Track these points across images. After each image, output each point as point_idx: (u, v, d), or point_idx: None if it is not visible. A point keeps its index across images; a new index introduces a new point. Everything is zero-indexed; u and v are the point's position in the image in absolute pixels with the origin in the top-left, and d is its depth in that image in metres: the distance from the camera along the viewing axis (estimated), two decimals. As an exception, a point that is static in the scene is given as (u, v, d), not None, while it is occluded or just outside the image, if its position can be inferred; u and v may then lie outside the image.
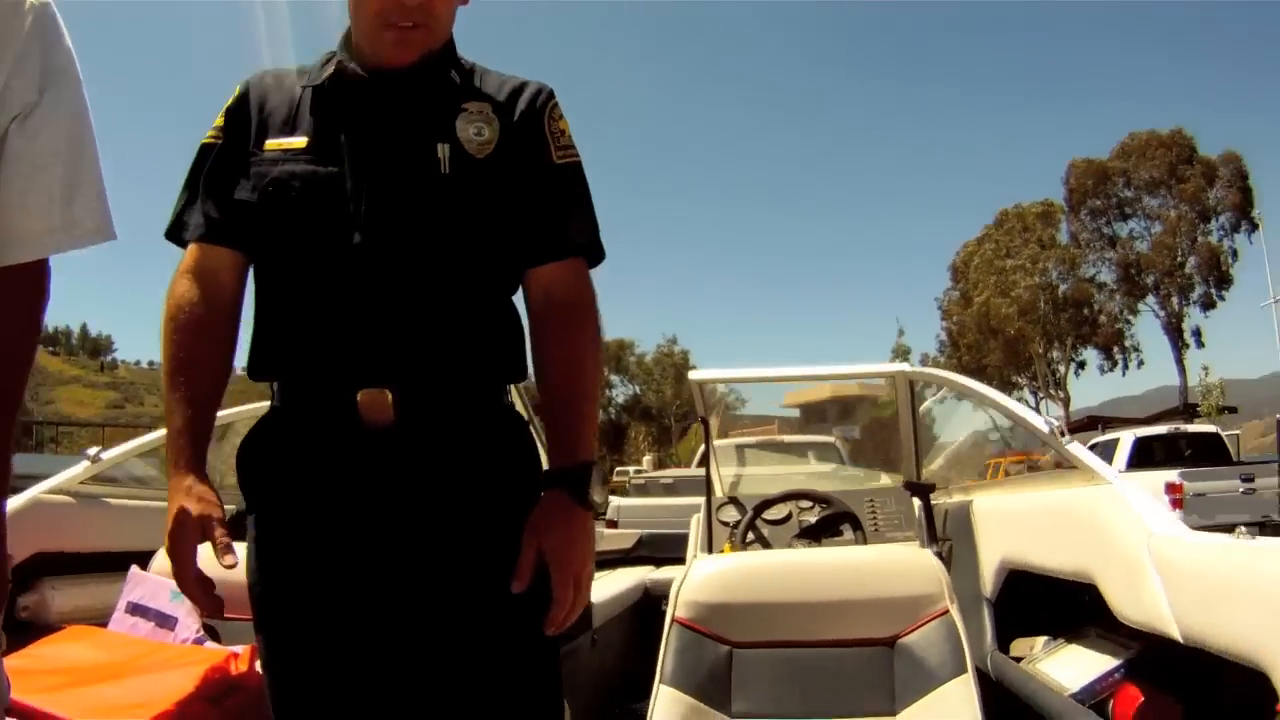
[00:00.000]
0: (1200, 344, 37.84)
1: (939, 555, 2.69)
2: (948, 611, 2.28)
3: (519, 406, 1.61)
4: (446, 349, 1.45)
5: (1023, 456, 5.21)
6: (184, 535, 1.43)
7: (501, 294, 1.55)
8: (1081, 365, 39.84)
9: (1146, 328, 41.17)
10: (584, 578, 1.40)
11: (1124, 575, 1.97)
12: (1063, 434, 2.51)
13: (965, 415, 4.09)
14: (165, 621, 2.63)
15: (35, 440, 31.48)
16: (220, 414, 1.54)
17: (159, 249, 1.56)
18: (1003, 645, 2.60)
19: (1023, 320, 37.83)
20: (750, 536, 3.31)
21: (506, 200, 1.49)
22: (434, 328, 1.44)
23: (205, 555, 1.42)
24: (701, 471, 4.50)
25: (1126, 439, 12.74)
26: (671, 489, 10.86)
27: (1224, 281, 37.51)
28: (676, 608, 2.39)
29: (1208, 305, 37.66)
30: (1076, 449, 2.44)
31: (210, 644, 2.53)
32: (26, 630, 2.63)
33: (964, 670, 2.17)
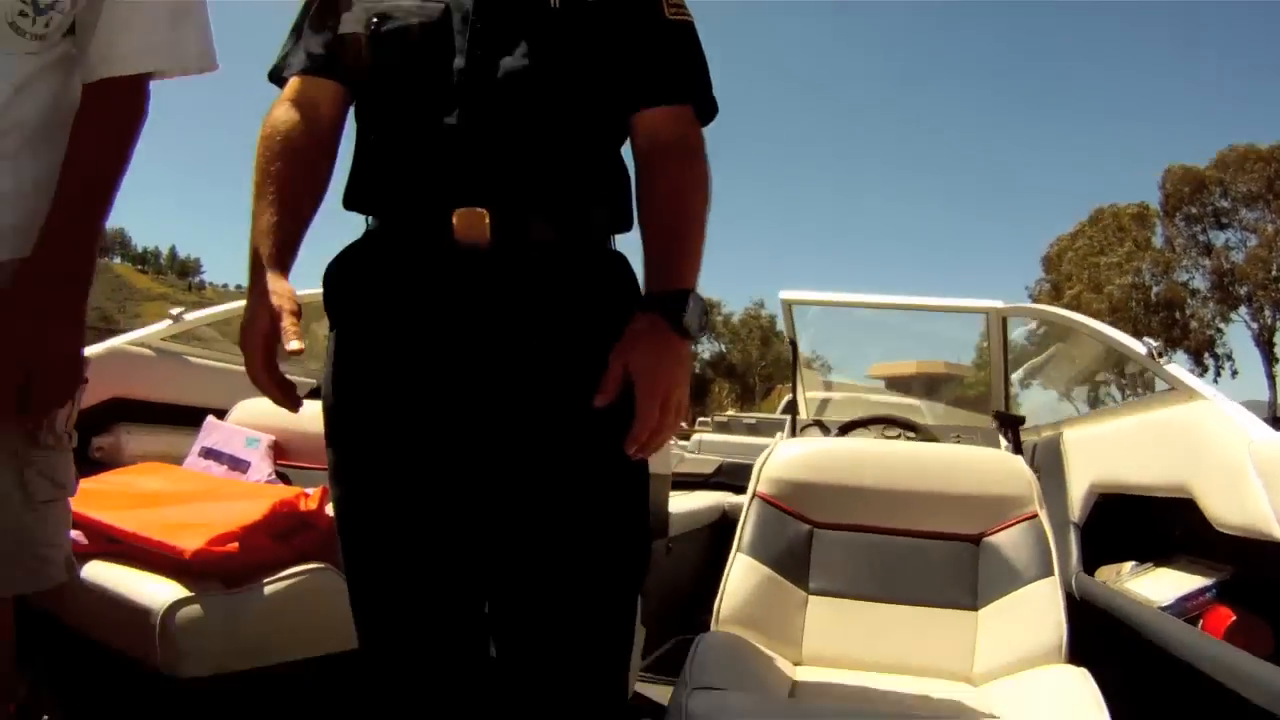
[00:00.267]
0: (1292, 359, 36.98)
1: None
2: (1036, 515, 2.26)
3: None
4: (547, 177, 1.43)
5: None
6: (256, 325, 1.43)
7: (607, 140, 1.53)
8: (1170, 369, 39.03)
9: (1237, 338, 40.37)
10: (672, 401, 1.36)
11: (1223, 481, 1.93)
12: (1160, 355, 2.45)
13: (1061, 355, 4.02)
14: (238, 465, 2.69)
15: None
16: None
17: (248, 179, 1.53)
18: (1089, 572, 2.56)
19: (1114, 317, 37.15)
20: None
21: (614, 43, 1.47)
22: (535, 155, 1.43)
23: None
24: (786, 417, 4.47)
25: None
26: (754, 429, 10.87)
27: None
28: (759, 483, 2.39)
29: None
30: (1175, 370, 2.40)
31: (281, 486, 2.56)
32: (99, 469, 2.69)
33: (1050, 573, 2.15)
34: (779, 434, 3.73)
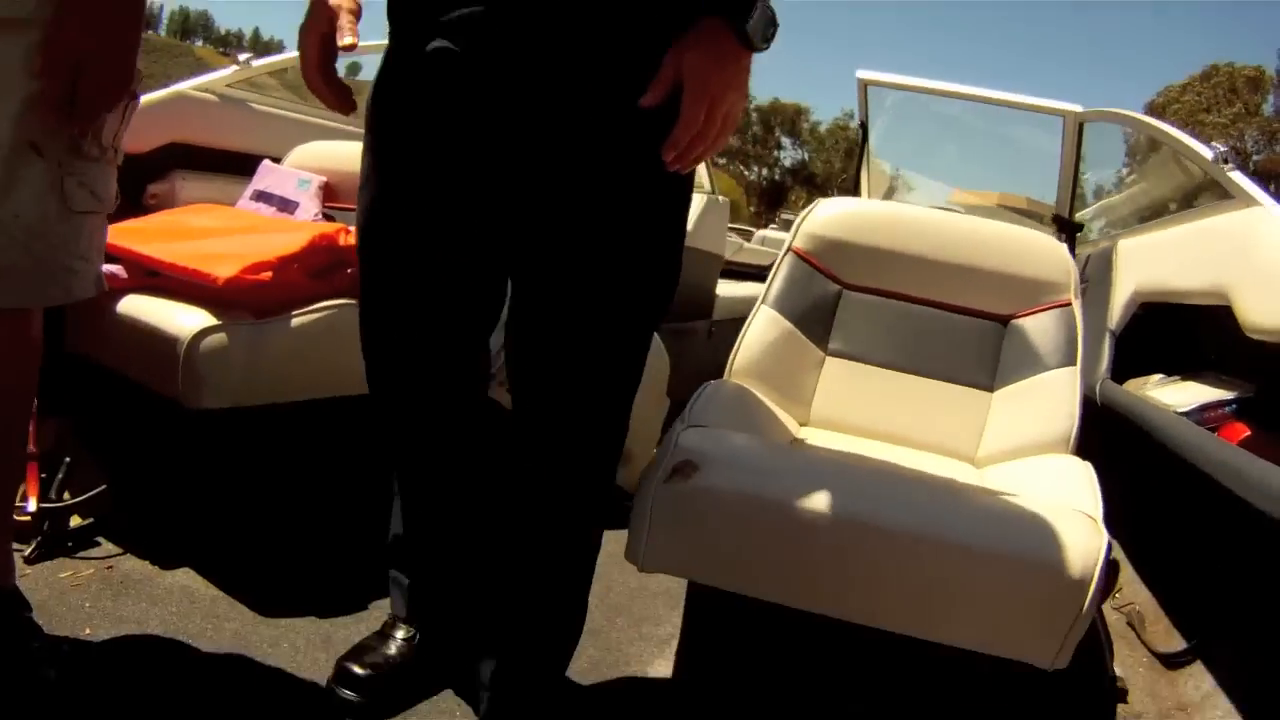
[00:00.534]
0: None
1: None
2: (1070, 305, 2.20)
3: None
4: None
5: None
6: (314, 24, 1.42)
7: None
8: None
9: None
10: (720, 109, 1.30)
11: (1262, 285, 1.89)
12: (1225, 161, 2.35)
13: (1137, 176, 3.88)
14: (287, 206, 2.70)
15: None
16: None
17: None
18: (1119, 382, 2.52)
19: (1208, 180, 36.01)
20: None
21: None
22: None
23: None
24: None
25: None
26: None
27: None
28: (795, 238, 2.35)
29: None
30: (1237, 176, 2.31)
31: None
32: (153, 215, 2.71)
33: (1072, 364, 2.11)
34: None
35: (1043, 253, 2.28)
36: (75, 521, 2.21)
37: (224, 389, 2.00)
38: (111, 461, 2.32)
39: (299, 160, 2.99)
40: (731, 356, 2.21)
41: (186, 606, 1.99)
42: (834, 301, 2.30)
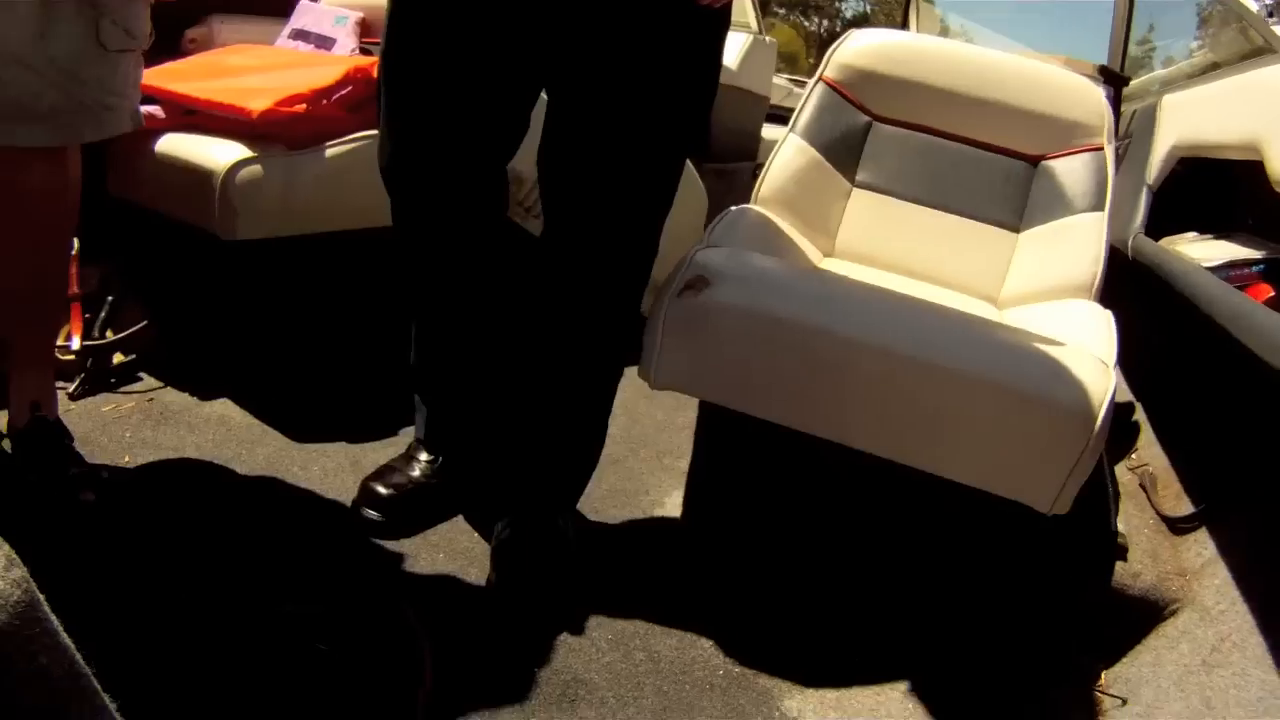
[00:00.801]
0: None
1: (1115, 152, 2.54)
2: (1102, 149, 2.15)
3: None
4: None
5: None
6: None
7: None
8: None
9: None
10: None
11: None
12: (1271, 15, 2.27)
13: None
14: (324, 43, 2.70)
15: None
16: None
17: None
18: (1155, 239, 2.48)
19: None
20: None
21: None
22: None
23: None
24: None
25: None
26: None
27: None
28: (826, 68, 2.30)
29: None
30: None
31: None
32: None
33: (1100, 209, 2.07)
34: None
35: (1077, 94, 2.22)
36: (118, 358, 2.29)
37: (259, 219, 2.05)
38: (153, 300, 2.39)
39: (339, -1, 2.96)
40: (758, 184, 2.19)
41: (223, 434, 2.06)
42: (863, 133, 2.26)
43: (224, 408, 2.18)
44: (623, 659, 1.55)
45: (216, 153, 2.04)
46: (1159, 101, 2.74)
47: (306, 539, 1.74)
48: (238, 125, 2.09)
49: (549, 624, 1.60)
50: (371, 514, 1.79)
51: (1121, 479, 2.17)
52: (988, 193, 2.18)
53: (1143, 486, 2.10)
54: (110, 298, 2.34)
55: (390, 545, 1.76)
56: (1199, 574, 1.75)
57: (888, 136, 2.26)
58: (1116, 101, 3.03)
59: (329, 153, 2.13)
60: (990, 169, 2.21)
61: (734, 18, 1.95)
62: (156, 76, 2.21)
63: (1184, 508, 1.96)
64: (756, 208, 2.11)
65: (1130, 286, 2.26)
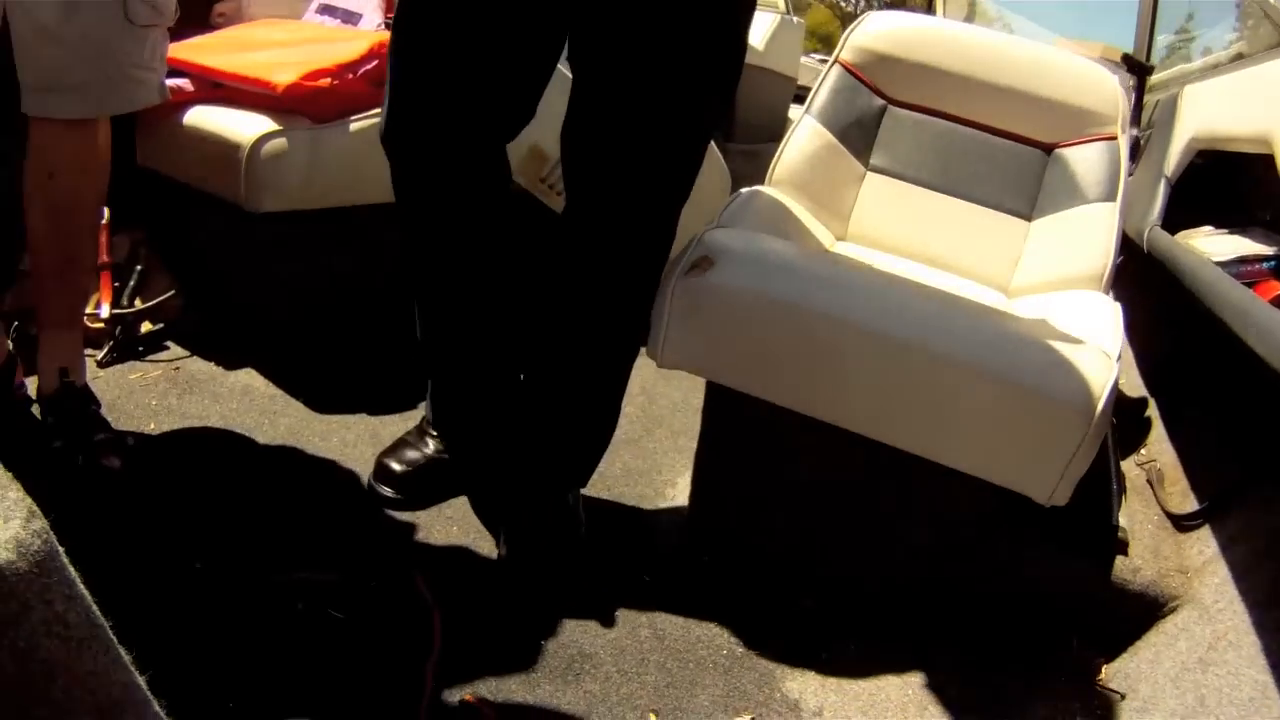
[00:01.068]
0: None
1: (1135, 139, 2.53)
2: (1115, 138, 2.14)
3: None
4: None
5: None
6: None
7: None
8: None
9: None
10: None
11: None
12: None
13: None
14: (351, 18, 2.71)
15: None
16: None
17: None
18: (1172, 233, 2.47)
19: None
20: None
21: None
22: None
23: None
24: None
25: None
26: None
27: None
28: (843, 50, 2.30)
29: None
30: None
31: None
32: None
33: (1113, 199, 2.07)
34: None
35: (1091, 82, 2.21)
36: (146, 327, 2.34)
37: (284, 192, 2.08)
38: (181, 269, 2.44)
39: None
40: (771, 166, 2.19)
41: (245, 403, 2.11)
42: (878, 116, 2.26)
43: (248, 377, 2.22)
44: (628, 635, 1.59)
45: (243, 126, 2.08)
46: (1180, 92, 2.72)
47: (324, 508, 1.79)
48: (263, 99, 2.12)
49: (557, 598, 1.64)
50: (386, 490, 1.83)
51: (1130, 474, 2.17)
52: (1001, 180, 2.18)
53: (1150, 482, 2.11)
54: (139, 267, 2.39)
55: (405, 517, 1.80)
56: (1200, 571, 1.76)
57: (902, 120, 2.26)
58: (1140, 91, 3.01)
59: (353, 127, 2.16)
60: (1004, 156, 2.20)
61: (761, -2, 1.96)
62: (185, 50, 2.25)
63: (1189, 505, 1.96)
64: (770, 190, 2.12)
65: (1145, 280, 2.26)
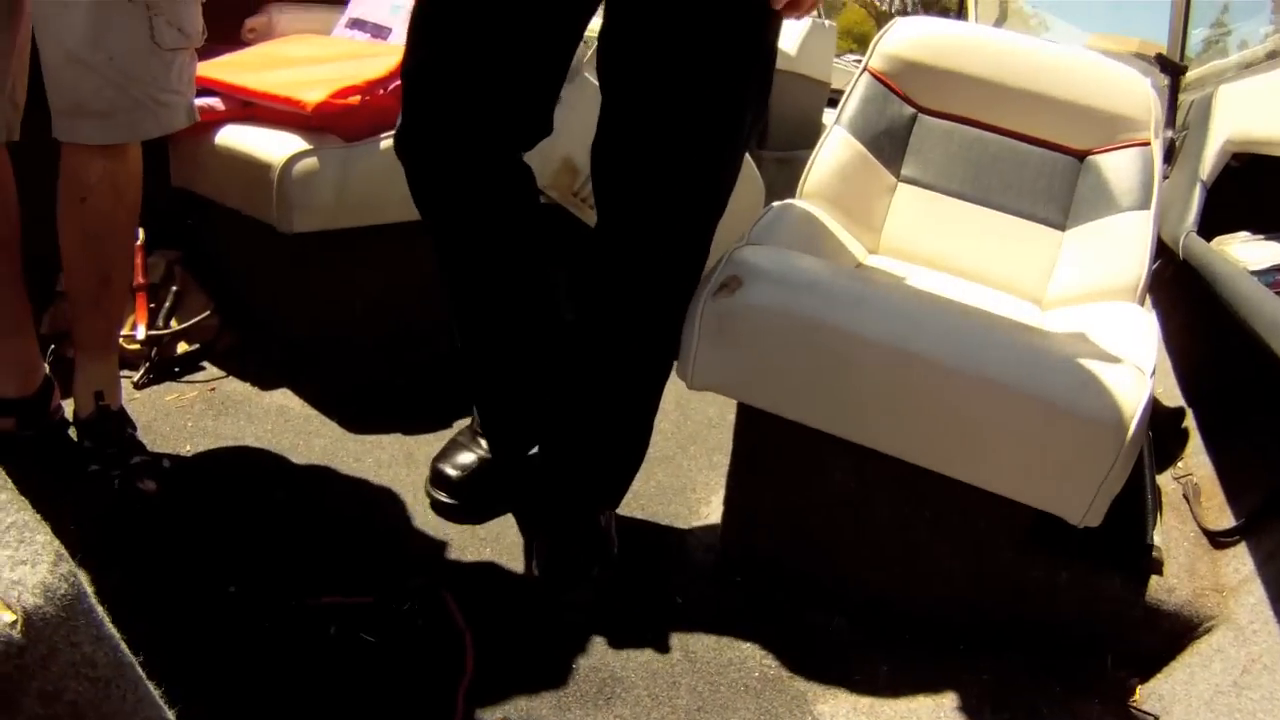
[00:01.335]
0: None
1: (1170, 140, 2.49)
2: (1149, 144, 2.10)
3: None
4: None
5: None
6: None
7: None
8: None
9: None
10: None
11: None
12: None
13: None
14: (380, 32, 2.73)
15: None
16: None
17: None
18: (1208, 238, 2.43)
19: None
20: None
21: None
22: None
23: None
24: None
25: None
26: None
27: None
28: (872, 58, 2.27)
29: None
30: None
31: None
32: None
33: (1147, 207, 2.03)
34: None
35: (1124, 87, 2.16)
36: (182, 348, 2.36)
37: (316, 211, 2.10)
38: (216, 290, 2.46)
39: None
40: (802, 178, 2.17)
41: (281, 424, 2.13)
42: (909, 125, 2.23)
43: (284, 398, 2.24)
44: (659, 658, 1.59)
45: (273, 145, 2.10)
46: (1214, 92, 2.67)
47: (357, 530, 1.80)
48: (294, 117, 2.14)
49: (588, 620, 1.64)
50: (441, 496, 1.85)
51: (1166, 488, 2.14)
52: (1033, 189, 2.15)
53: (1185, 497, 2.08)
54: (174, 287, 2.41)
55: (438, 537, 1.81)
56: (1235, 590, 1.73)
57: (933, 129, 2.23)
58: (1174, 91, 2.95)
59: (384, 144, 2.16)
60: (1036, 164, 2.17)
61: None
62: (215, 69, 2.27)
63: (1226, 520, 1.92)
64: (801, 203, 2.10)
65: (1182, 289, 2.23)
